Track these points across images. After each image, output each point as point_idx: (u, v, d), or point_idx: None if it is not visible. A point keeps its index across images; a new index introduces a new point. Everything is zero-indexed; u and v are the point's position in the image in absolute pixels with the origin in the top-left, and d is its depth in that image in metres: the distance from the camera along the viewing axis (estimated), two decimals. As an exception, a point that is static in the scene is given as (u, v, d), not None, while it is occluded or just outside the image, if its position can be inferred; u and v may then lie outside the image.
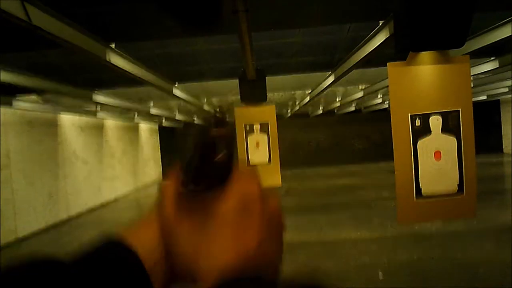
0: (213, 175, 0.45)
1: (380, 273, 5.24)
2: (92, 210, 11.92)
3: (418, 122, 3.38)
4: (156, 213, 0.50)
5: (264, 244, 0.46)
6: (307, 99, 10.34)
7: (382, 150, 17.18)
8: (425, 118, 3.38)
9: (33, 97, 8.29)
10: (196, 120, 16.55)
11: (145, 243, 0.47)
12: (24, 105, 7.97)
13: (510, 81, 10.43)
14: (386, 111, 10.39)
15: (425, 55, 3.30)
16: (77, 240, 8.60)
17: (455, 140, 3.41)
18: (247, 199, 0.47)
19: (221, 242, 0.44)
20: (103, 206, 12.70)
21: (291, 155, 19.34)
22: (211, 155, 0.44)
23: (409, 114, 3.36)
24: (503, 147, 19.59)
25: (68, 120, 10.97)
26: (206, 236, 0.44)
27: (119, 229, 0.47)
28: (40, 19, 2.92)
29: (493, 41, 4.59)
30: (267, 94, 6.04)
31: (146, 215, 0.50)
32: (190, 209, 0.46)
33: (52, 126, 10.19)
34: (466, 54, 4.40)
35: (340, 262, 5.79)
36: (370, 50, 4.58)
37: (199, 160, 0.43)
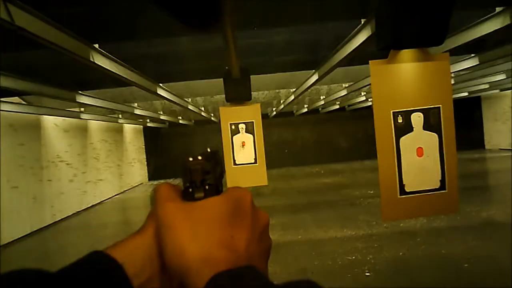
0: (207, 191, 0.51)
1: (366, 270, 5.30)
2: (77, 214, 11.81)
3: (400, 119, 3.43)
4: (150, 219, 0.51)
5: (252, 246, 0.48)
6: (292, 97, 10.39)
7: (367, 148, 17.33)
8: (407, 115, 3.43)
9: (16, 99, 8.19)
10: (181, 120, 16.48)
11: (135, 257, 0.47)
12: (6, 107, 7.86)
13: (490, 77, 10.61)
14: (370, 109, 10.47)
15: (406, 53, 3.35)
16: (62, 245, 8.52)
17: (437, 136, 3.47)
18: (239, 203, 0.50)
19: (213, 241, 0.45)
20: (88, 209, 12.60)
21: (276, 155, 19.39)
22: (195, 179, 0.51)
23: (391, 111, 3.41)
24: (485, 143, 19.93)
25: (51, 122, 10.85)
26: (199, 235, 0.46)
27: (108, 244, 0.48)
28: (23, 19, 2.91)
29: (472, 38, 4.68)
30: (252, 93, 6.06)
31: (138, 230, 0.51)
32: (186, 209, 0.48)
33: (35, 128, 10.07)
34: (446, 51, 4.49)
35: (327, 260, 5.84)
36: (352, 49, 4.63)
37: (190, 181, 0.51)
